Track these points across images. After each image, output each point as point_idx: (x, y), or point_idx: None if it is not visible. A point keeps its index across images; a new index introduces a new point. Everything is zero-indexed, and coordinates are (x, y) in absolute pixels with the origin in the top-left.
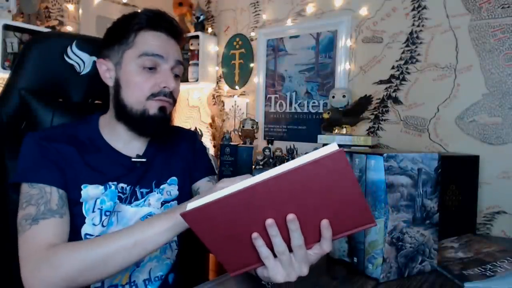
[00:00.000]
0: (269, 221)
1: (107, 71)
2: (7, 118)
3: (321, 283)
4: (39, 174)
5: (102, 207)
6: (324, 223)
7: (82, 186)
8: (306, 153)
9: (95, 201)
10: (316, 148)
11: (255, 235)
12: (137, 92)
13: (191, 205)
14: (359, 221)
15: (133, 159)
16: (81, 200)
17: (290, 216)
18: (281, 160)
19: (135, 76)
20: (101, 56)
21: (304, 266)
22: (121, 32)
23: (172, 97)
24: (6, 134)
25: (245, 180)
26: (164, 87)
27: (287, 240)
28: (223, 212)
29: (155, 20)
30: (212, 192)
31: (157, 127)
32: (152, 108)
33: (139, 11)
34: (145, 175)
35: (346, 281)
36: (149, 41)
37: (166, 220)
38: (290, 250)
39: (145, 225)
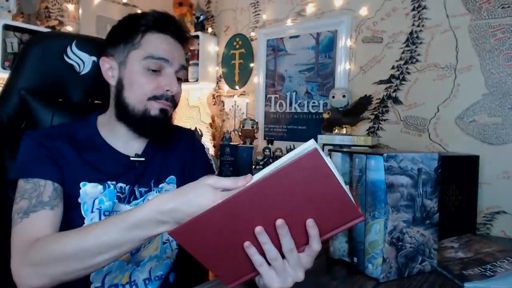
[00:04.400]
0: (258, 229)
1: (110, 70)
2: (7, 118)
3: (321, 283)
4: (34, 169)
5: (101, 207)
6: (309, 222)
7: (81, 184)
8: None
9: (94, 201)
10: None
11: (247, 243)
12: (139, 92)
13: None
14: (347, 216)
15: (131, 158)
16: (79, 200)
17: (279, 222)
18: None
19: (139, 77)
20: (105, 54)
21: (299, 271)
22: (128, 32)
23: (173, 101)
24: (6, 134)
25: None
26: (167, 90)
27: (278, 246)
28: (211, 225)
29: (163, 23)
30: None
31: (157, 128)
32: (154, 109)
33: (147, 11)
34: (143, 174)
35: (346, 281)
36: (156, 43)
37: (151, 228)
38: (283, 256)
39: (127, 232)
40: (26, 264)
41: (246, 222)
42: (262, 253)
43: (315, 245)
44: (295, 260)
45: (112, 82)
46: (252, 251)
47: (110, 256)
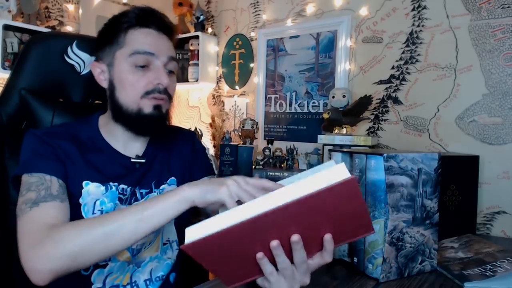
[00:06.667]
0: (274, 244)
1: (101, 74)
2: (7, 118)
3: (321, 283)
4: (39, 165)
5: (102, 208)
6: (327, 237)
7: (83, 184)
8: (305, 167)
9: (95, 203)
10: (314, 163)
11: (260, 255)
12: (131, 91)
13: (192, 229)
14: (360, 231)
15: (132, 160)
16: (80, 201)
17: (295, 238)
18: (281, 160)
19: (128, 75)
20: (95, 59)
21: (306, 277)
22: (111, 32)
23: (167, 93)
24: (6, 134)
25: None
26: (158, 83)
27: (290, 254)
28: (227, 240)
29: (144, 17)
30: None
31: (153, 126)
32: (147, 107)
33: (127, 9)
34: (144, 176)
35: (346, 281)
36: (140, 39)
37: (172, 195)
38: (292, 262)
39: (150, 202)
40: (42, 245)
41: (263, 236)
42: (272, 260)
43: (328, 258)
44: (305, 269)
45: (105, 85)
46: (264, 262)
47: (135, 227)
